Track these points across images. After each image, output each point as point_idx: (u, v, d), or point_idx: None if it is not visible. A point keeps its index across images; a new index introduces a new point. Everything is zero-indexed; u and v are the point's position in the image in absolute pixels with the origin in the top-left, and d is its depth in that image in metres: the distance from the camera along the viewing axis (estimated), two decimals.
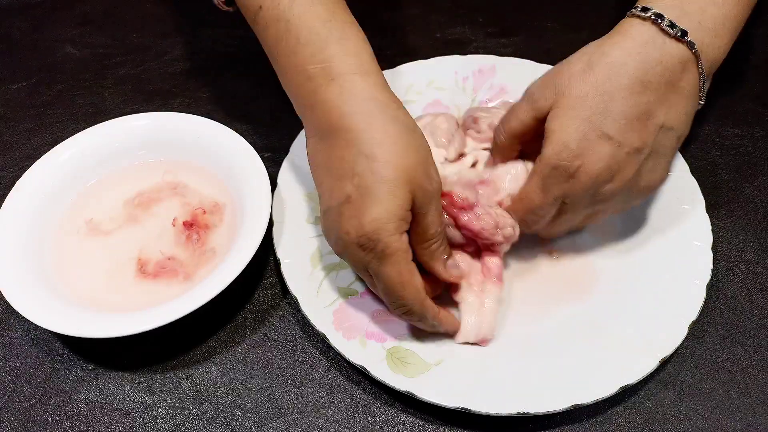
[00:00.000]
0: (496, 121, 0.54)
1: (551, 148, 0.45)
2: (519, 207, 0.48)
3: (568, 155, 0.45)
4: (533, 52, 0.70)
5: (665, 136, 0.46)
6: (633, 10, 0.46)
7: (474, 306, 0.48)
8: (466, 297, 0.49)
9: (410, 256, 0.44)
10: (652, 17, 0.45)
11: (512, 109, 0.49)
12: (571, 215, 0.49)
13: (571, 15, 0.75)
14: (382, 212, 0.42)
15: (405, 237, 0.44)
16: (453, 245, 0.49)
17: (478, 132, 0.57)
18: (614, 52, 0.45)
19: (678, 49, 0.45)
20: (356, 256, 0.44)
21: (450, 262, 0.48)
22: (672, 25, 0.44)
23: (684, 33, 0.44)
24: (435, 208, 0.45)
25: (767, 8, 0.75)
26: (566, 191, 0.46)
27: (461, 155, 0.57)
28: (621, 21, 0.47)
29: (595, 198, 0.47)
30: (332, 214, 0.44)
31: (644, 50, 0.45)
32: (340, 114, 0.44)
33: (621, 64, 0.45)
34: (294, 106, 0.49)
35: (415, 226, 0.45)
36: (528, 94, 0.48)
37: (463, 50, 0.69)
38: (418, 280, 0.44)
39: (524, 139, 0.50)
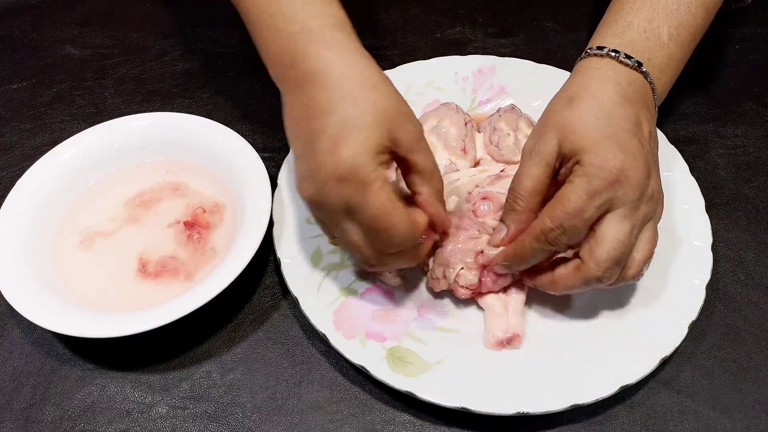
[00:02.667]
0: (521, 137, 0.56)
1: (592, 154, 0.43)
2: (558, 211, 0.43)
3: (612, 157, 0.43)
4: (533, 52, 0.71)
5: (653, 145, 0.47)
6: (587, 51, 0.49)
7: (498, 306, 0.49)
8: (490, 302, 0.49)
9: (393, 188, 0.43)
10: (609, 53, 0.48)
11: (519, 174, 0.46)
12: (623, 227, 0.43)
13: (571, 15, 0.75)
14: (362, 141, 0.41)
15: (386, 171, 0.43)
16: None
17: (499, 150, 0.57)
18: (588, 82, 0.47)
19: (639, 77, 0.48)
20: (334, 193, 0.42)
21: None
22: (628, 57, 0.47)
23: (640, 64, 0.47)
24: (424, 147, 0.45)
25: (767, 7, 0.75)
26: (613, 192, 0.43)
27: (477, 163, 0.57)
28: (577, 64, 0.49)
29: (643, 197, 0.44)
30: (307, 154, 0.43)
31: (613, 76, 0.47)
32: (318, 59, 0.43)
33: (598, 90, 0.46)
34: (271, 70, 0.48)
35: (410, 169, 0.45)
36: (526, 152, 0.46)
37: (463, 50, 0.69)
38: (402, 208, 0.43)
39: (544, 196, 0.46)
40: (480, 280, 0.49)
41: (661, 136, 0.59)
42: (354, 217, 0.43)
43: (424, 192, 0.46)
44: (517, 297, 0.49)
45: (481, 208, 0.51)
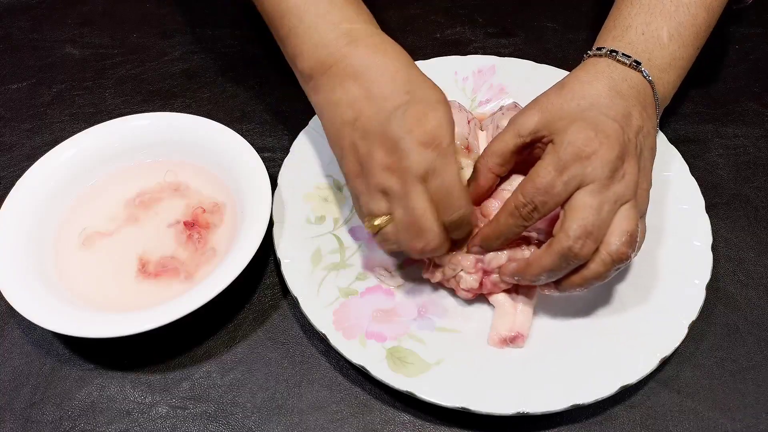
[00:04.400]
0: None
1: (566, 135, 0.45)
2: (528, 186, 0.45)
3: (585, 138, 0.44)
4: (533, 52, 0.71)
5: (645, 141, 0.47)
6: (587, 53, 0.51)
7: (507, 305, 0.49)
8: (501, 300, 0.49)
9: None
10: (607, 53, 0.49)
11: (495, 138, 0.49)
12: (591, 200, 0.44)
13: (571, 15, 0.76)
14: (444, 115, 0.45)
15: None
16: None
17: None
18: (581, 74, 0.49)
19: (636, 75, 0.49)
20: (419, 157, 0.44)
21: None
22: (626, 56, 0.49)
23: (638, 63, 0.49)
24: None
25: (767, 7, 0.76)
26: (582, 169, 0.44)
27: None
28: (580, 64, 0.51)
29: (615, 176, 0.44)
30: (386, 122, 0.45)
31: (607, 71, 0.48)
32: (384, 52, 0.47)
33: (589, 80, 0.48)
34: (310, 63, 0.49)
35: None
36: (509, 122, 0.49)
37: (462, 50, 0.69)
38: None
39: (507, 163, 0.49)
40: (481, 283, 0.49)
41: (661, 136, 0.59)
42: (427, 182, 0.45)
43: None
44: (527, 297, 0.49)
45: (493, 207, 0.50)
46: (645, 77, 0.49)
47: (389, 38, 0.49)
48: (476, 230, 0.49)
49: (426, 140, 0.44)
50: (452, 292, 0.51)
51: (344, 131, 0.47)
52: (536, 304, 0.50)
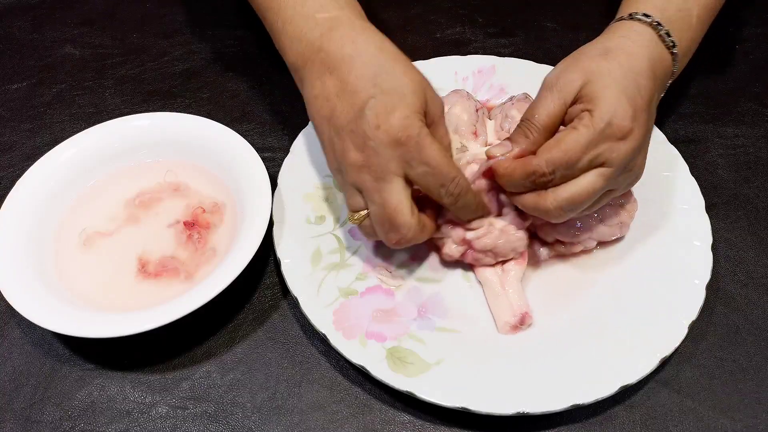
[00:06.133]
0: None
1: (606, 107, 0.44)
2: (556, 157, 0.44)
3: (623, 116, 0.44)
4: (533, 52, 0.71)
5: (651, 126, 0.48)
6: (633, 13, 0.49)
7: (495, 281, 0.50)
8: (488, 277, 0.51)
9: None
10: (653, 23, 0.48)
11: (536, 105, 0.47)
12: (597, 184, 0.45)
13: (571, 15, 0.76)
14: (410, 106, 0.44)
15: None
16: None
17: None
18: (628, 43, 0.47)
19: (669, 58, 0.48)
20: (389, 156, 0.44)
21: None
22: (668, 35, 0.48)
23: (674, 44, 0.48)
24: (443, 122, 0.48)
25: (767, 7, 0.76)
26: (610, 151, 0.44)
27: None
28: (619, 22, 0.49)
29: (628, 167, 0.46)
30: (352, 126, 0.45)
31: (650, 47, 0.47)
32: (350, 42, 0.46)
33: (635, 53, 0.46)
34: (291, 57, 0.50)
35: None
36: (548, 84, 0.47)
37: (463, 50, 0.69)
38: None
39: (554, 131, 0.47)
40: (464, 254, 0.51)
41: (661, 136, 0.59)
42: (409, 173, 0.45)
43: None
44: (513, 273, 0.51)
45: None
46: (674, 63, 0.48)
47: (362, 23, 0.48)
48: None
49: (393, 136, 0.44)
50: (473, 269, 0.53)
51: (323, 127, 0.48)
52: (521, 277, 0.51)
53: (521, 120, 0.48)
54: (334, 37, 0.47)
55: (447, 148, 0.49)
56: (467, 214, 0.49)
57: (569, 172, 0.44)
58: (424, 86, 0.46)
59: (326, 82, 0.47)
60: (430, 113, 0.46)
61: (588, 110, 0.44)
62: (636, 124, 0.44)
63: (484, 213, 0.50)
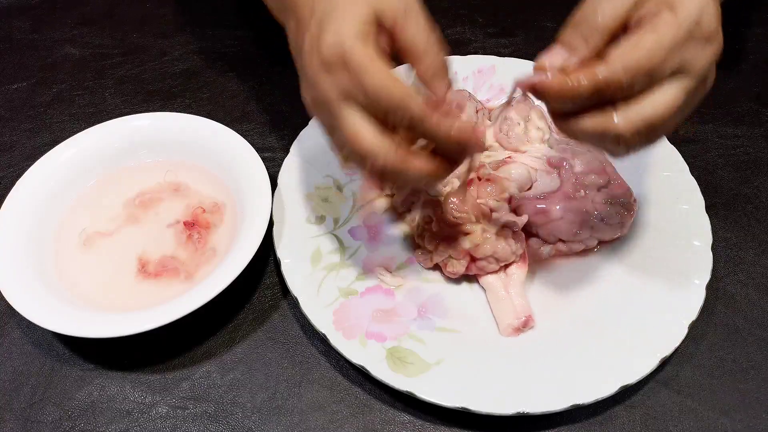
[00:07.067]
0: (532, 128, 0.57)
1: (692, 5, 0.37)
2: (635, 61, 0.36)
3: (711, 15, 0.37)
4: (533, 52, 0.70)
5: None
6: None
7: (498, 287, 0.50)
8: (492, 282, 0.50)
9: (388, 63, 0.40)
10: None
11: (597, 2, 0.39)
12: (678, 97, 0.38)
13: (570, 15, 0.75)
14: (342, 21, 0.39)
15: (379, 49, 0.40)
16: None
17: (507, 138, 0.57)
18: None
19: None
20: (326, 85, 0.39)
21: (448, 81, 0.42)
22: None
23: None
24: (413, 18, 0.40)
25: (767, 7, 0.76)
26: (695, 56, 0.37)
27: (486, 148, 0.58)
28: None
29: (707, 77, 0.40)
30: (299, 55, 0.42)
31: None
32: None
33: None
34: (270, 6, 0.49)
35: (401, 45, 0.41)
36: None
37: (463, 50, 0.69)
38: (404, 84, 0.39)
39: (616, 36, 0.38)
40: (467, 267, 0.51)
41: None
42: (357, 104, 0.39)
43: (418, 72, 0.41)
44: (516, 276, 0.51)
45: (487, 189, 0.52)
46: None
47: None
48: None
49: (325, 60, 0.39)
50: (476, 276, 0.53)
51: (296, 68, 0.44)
52: (524, 280, 0.51)
53: (572, 24, 0.40)
54: None
55: (426, 41, 0.40)
56: (448, 150, 0.41)
57: (646, 81, 0.36)
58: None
59: (290, 22, 0.44)
60: (388, 13, 0.40)
61: (670, 7, 0.37)
62: (718, 25, 0.37)
63: (470, 145, 0.41)
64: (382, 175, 0.41)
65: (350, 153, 0.41)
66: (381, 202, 0.57)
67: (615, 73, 0.36)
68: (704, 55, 0.37)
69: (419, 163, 0.40)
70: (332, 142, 0.43)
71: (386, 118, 0.39)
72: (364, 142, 0.39)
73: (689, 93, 0.38)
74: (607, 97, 0.37)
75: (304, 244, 0.53)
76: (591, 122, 0.38)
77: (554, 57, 0.39)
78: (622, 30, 0.38)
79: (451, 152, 0.41)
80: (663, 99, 0.37)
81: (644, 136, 0.38)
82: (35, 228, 0.53)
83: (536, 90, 0.39)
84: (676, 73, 0.37)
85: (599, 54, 0.38)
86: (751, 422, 0.47)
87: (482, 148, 0.42)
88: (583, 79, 0.37)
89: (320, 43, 0.39)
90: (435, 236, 0.51)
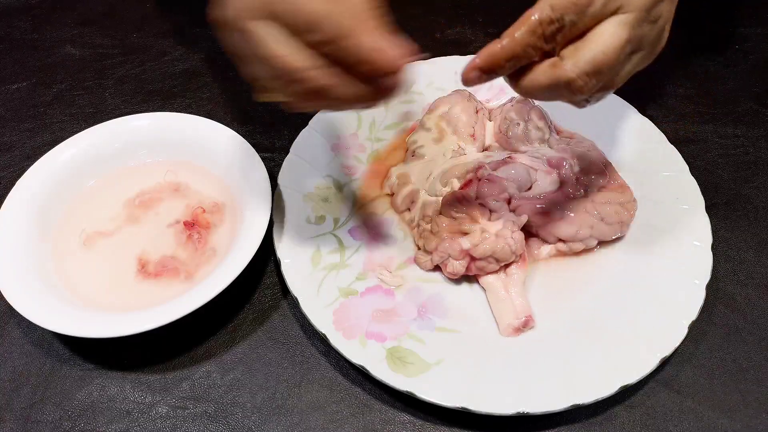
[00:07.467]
0: (531, 127, 0.57)
1: None
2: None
3: None
4: None
5: None
6: None
7: (498, 287, 0.50)
8: (492, 282, 0.50)
9: None
10: None
11: None
12: (619, 34, 0.38)
13: None
14: None
15: None
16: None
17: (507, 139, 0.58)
18: None
19: None
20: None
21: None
22: None
23: None
24: None
25: (767, 7, 0.76)
26: None
27: (485, 149, 0.58)
28: None
29: (651, 15, 0.39)
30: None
31: None
32: None
33: None
34: None
35: None
36: None
37: (463, 50, 0.69)
38: None
39: None
40: (467, 267, 0.50)
41: (661, 136, 0.59)
42: (276, 22, 0.37)
43: None
44: (516, 276, 0.51)
45: (486, 189, 0.52)
46: None
47: None
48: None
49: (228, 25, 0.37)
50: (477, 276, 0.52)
51: None
52: (525, 280, 0.51)
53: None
54: None
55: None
56: (369, 73, 0.37)
57: (581, 18, 0.37)
58: None
59: None
60: None
61: None
62: None
63: (388, 71, 0.37)
64: (312, 95, 0.38)
65: (274, 75, 0.38)
66: (381, 202, 0.57)
67: (542, 11, 0.37)
68: None
69: (351, 81, 0.38)
70: (248, 67, 0.40)
71: (304, 37, 0.37)
72: (291, 59, 0.37)
73: (632, 28, 0.38)
74: (548, 43, 0.38)
75: (304, 244, 0.53)
76: (541, 73, 0.39)
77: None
78: None
79: (369, 75, 0.38)
80: (604, 36, 0.38)
81: (595, 77, 0.38)
82: (35, 228, 0.53)
83: (485, 64, 0.39)
84: (615, 11, 0.38)
85: None
86: (751, 422, 0.47)
87: (400, 82, 0.38)
88: (516, 27, 0.38)
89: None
90: (434, 236, 0.51)
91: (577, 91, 0.39)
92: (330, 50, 0.37)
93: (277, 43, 0.37)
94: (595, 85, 0.39)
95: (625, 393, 0.47)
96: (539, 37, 0.38)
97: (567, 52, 0.39)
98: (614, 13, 0.38)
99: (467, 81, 0.41)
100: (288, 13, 0.36)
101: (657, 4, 0.39)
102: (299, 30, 0.37)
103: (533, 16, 0.38)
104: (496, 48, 0.39)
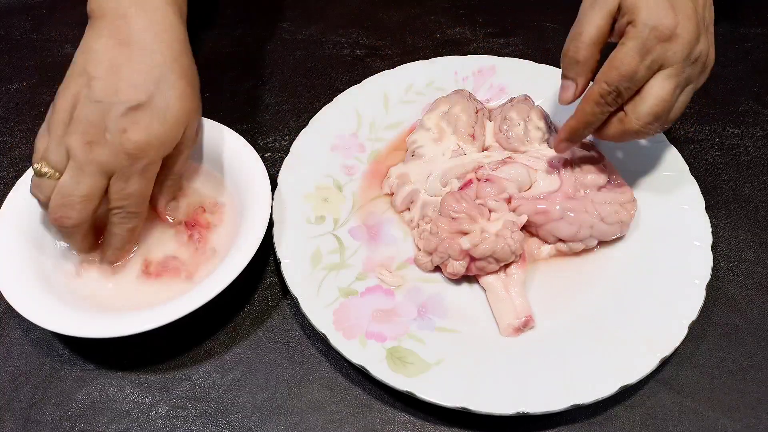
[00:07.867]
0: (531, 128, 0.57)
1: (646, 14, 0.45)
2: (613, 74, 0.46)
3: (664, 17, 0.45)
4: (533, 52, 0.71)
5: (709, 12, 0.48)
6: None
7: (499, 287, 0.50)
8: (492, 282, 0.50)
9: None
10: None
11: (580, 22, 0.49)
12: (666, 86, 0.46)
13: (571, 15, 0.75)
14: (164, 134, 0.47)
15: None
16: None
17: (506, 138, 0.58)
18: None
19: None
20: (111, 156, 0.46)
21: (172, 204, 0.54)
22: None
23: None
24: (188, 151, 0.52)
25: (767, 7, 0.76)
26: (663, 53, 0.45)
27: (485, 149, 0.58)
28: None
29: (690, 59, 0.46)
30: (109, 104, 0.46)
31: None
32: (155, 32, 0.48)
33: None
34: (91, 7, 0.50)
35: (167, 160, 0.50)
36: (587, 6, 0.49)
37: (463, 50, 0.69)
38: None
39: (602, 47, 0.49)
40: (467, 267, 0.50)
41: (661, 136, 0.59)
42: (110, 179, 0.47)
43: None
44: (516, 276, 0.51)
45: (486, 189, 0.53)
46: None
47: (175, 17, 0.50)
48: (562, 128, 0.51)
49: (129, 149, 0.46)
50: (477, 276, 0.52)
51: (80, 79, 0.48)
52: (525, 280, 0.51)
53: (568, 46, 0.49)
54: (144, 16, 0.48)
55: (177, 173, 0.52)
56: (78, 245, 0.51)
57: (633, 84, 0.46)
58: (191, 118, 0.50)
59: (111, 49, 0.47)
60: (183, 143, 0.50)
61: (630, 22, 0.45)
62: (681, 18, 0.45)
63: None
64: (57, 221, 0.48)
65: (64, 194, 0.47)
66: (381, 202, 0.57)
67: (601, 88, 0.46)
68: (673, 49, 0.45)
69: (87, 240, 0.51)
70: (54, 159, 0.47)
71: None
72: (81, 205, 0.47)
73: (677, 77, 0.46)
74: (612, 106, 0.47)
75: (304, 244, 0.53)
76: (613, 128, 0.49)
77: (565, 92, 0.50)
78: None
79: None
80: (654, 90, 0.46)
81: (656, 122, 0.47)
82: (35, 228, 0.53)
83: (569, 136, 0.51)
84: (658, 69, 0.46)
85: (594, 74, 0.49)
86: (751, 422, 0.47)
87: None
88: (584, 102, 0.48)
89: (136, 134, 0.46)
90: (434, 237, 0.51)
91: (644, 136, 0.48)
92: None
93: (91, 191, 0.48)
94: (656, 128, 0.47)
95: (625, 393, 0.47)
96: (603, 105, 0.47)
97: (629, 108, 0.47)
98: (659, 69, 0.45)
99: (559, 151, 0.53)
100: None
101: (693, 49, 0.46)
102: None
103: (594, 92, 0.47)
104: (572, 123, 0.50)
